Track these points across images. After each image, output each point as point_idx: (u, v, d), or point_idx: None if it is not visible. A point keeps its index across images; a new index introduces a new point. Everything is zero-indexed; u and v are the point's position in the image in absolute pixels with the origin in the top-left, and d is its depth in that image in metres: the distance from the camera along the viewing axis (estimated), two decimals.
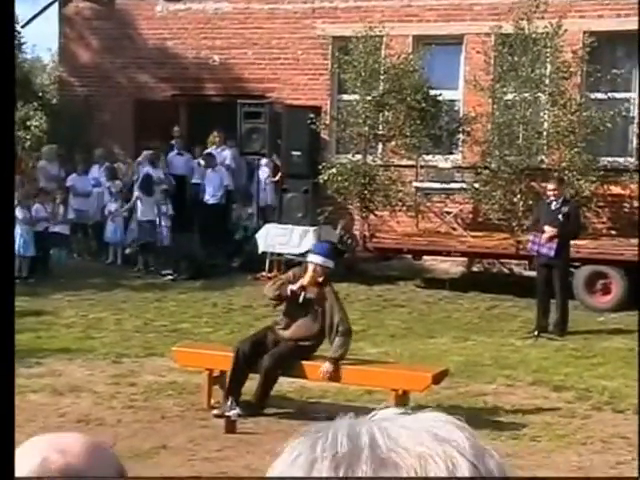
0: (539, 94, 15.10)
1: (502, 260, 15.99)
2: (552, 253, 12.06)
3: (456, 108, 16.59)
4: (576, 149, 14.88)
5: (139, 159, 17.70)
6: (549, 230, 12.07)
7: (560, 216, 12.20)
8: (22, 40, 22.54)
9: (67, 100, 19.31)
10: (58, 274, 15.89)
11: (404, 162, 16.10)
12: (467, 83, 16.04)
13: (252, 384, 8.60)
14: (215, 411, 8.50)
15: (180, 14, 18.40)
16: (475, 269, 16.46)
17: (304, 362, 8.48)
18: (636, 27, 14.73)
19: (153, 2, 18.55)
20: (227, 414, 8.19)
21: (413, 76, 15.62)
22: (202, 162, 17.71)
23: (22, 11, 32.42)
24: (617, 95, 15.57)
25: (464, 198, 15.92)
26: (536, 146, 15.18)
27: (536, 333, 12.02)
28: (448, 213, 16.22)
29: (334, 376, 8.42)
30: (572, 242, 12.59)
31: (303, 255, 15.42)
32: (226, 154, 17.71)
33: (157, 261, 16.65)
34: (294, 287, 8.52)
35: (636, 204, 15.49)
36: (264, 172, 17.18)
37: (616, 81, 15.44)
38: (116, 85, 18.85)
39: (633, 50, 15.37)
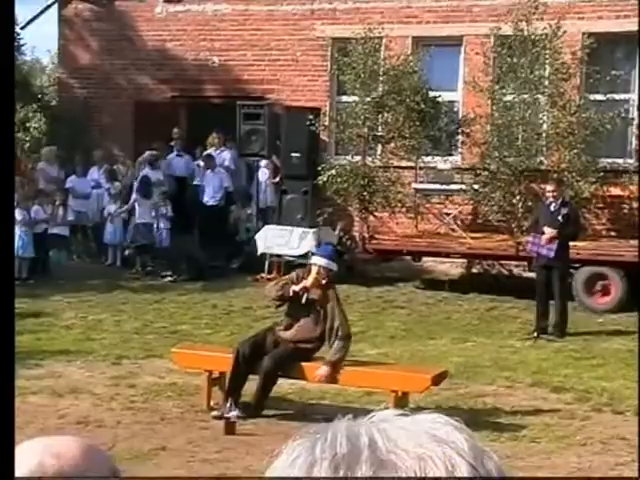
0: (538, 95, 15.10)
1: (502, 261, 15.99)
2: (552, 254, 12.06)
3: (455, 109, 16.59)
4: (575, 150, 14.87)
5: (139, 159, 17.71)
6: (549, 231, 12.08)
7: (559, 217, 12.21)
8: (22, 42, 22.60)
9: (66, 102, 19.30)
10: (58, 276, 15.89)
11: (403, 163, 16.11)
12: (466, 84, 16.04)
13: (251, 385, 8.59)
14: (213, 413, 8.50)
15: (179, 16, 18.41)
16: (475, 270, 16.46)
17: (304, 364, 8.48)
18: (635, 28, 14.73)
19: (152, 4, 18.55)
20: (227, 415, 8.19)
21: (412, 77, 15.62)
22: (202, 163, 17.72)
23: (22, 13, 32.43)
24: (616, 96, 15.56)
25: (463, 199, 15.92)
26: (535, 147, 15.17)
27: (536, 334, 12.02)
28: (447, 214, 16.22)
29: (330, 379, 8.43)
30: (571, 243, 12.60)
31: (302, 256, 15.47)
32: (225, 155, 17.71)
33: (156, 263, 16.65)
34: (296, 288, 8.52)
35: (635, 205, 15.49)
36: (264, 173, 17.18)
37: (615, 82, 15.43)
38: (115, 87, 18.85)
39: (632, 51, 15.38)
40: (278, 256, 16.03)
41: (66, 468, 1.11)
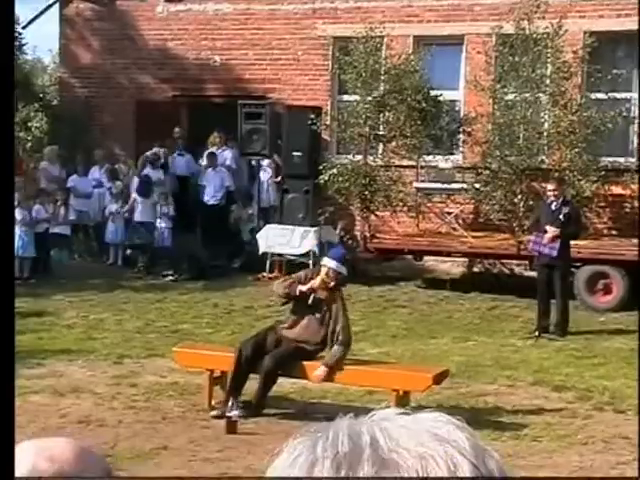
0: (540, 94, 15.10)
1: (503, 260, 15.98)
2: (554, 253, 12.05)
3: (457, 108, 16.59)
4: (577, 149, 14.87)
5: (141, 158, 17.70)
6: (552, 230, 12.07)
7: (561, 216, 12.20)
8: (23, 41, 22.59)
9: (68, 101, 19.31)
10: (59, 275, 15.89)
11: (405, 162, 16.10)
12: (468, 83, 16.04)
13: (251, 384, 8.59)
14: (213, 412, 8.50)
15: (181, 15, 18.41)
16: (476, 269, 16.46)
17: (305, 362, 8.48)
18: (636, 27, 14.72)
19: (154, 3, 18.55)
20: (228, 415, 8.19)
21: (414, 76, 15.62)
22: (204, 162, 17.72)
23: (23, 12, 32.47)
24: (618, 95, 15.56)
25: (465, 198, 15.92)
26: (537, 146, 15.17)
27: (537, 333, 12.02)
28: (449, 213, 16.22)
29: (328, 380, 8.44)
30: (573, 242, 12.59)
31: (304, 256, 15.49)
32: (227, 155, 17.71)
33: (156, 262, 16.64)
34: (303, 288, 8.51)
35: (637, 204, 15.49)
36: (266, 173, 17.18)
37: (617, 81, 15.43)
38: (117, 86, 18.85)
39: (634, 50, 15.36)
40: (279, 255, 16.04)
41: (60, 470, 1.11)
